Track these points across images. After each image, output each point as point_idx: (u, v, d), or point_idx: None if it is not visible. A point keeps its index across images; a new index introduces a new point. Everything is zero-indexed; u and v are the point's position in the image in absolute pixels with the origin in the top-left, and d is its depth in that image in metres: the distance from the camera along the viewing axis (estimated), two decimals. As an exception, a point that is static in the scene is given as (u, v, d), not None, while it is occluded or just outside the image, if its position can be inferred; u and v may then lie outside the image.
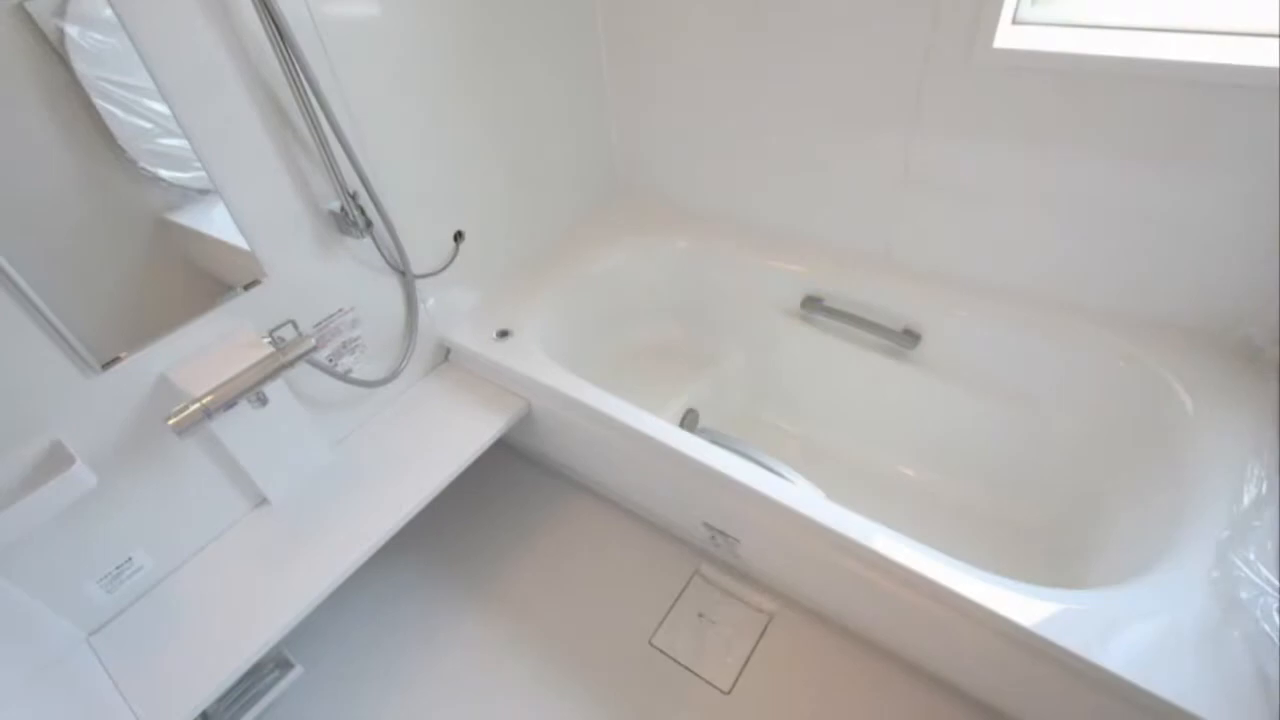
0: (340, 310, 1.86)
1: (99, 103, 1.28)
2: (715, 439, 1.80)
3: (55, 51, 1.21)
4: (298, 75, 1.48)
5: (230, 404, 1.46)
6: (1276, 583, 1.27)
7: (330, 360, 1.89)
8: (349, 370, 1.94)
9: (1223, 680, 1.19)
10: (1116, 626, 1.28)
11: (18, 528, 1.31)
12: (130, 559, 1.63)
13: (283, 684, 1.89)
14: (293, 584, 1.69)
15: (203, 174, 1.45)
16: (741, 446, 1.79)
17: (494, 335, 2.15)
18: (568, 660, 1.99)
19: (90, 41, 1.24)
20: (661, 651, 1.98)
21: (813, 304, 2.28)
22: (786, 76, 2.02)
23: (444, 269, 2.07)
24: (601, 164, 2.63)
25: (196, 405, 1.41)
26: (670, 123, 2.39)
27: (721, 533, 1.92)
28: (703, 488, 1.80)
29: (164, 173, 1.40)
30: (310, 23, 1.53)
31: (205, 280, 1.58)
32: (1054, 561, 1.90)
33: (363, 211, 1.73)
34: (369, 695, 1.98)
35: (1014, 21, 1.68)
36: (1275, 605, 1.25)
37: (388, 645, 2.08)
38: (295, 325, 1.71)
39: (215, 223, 1.52)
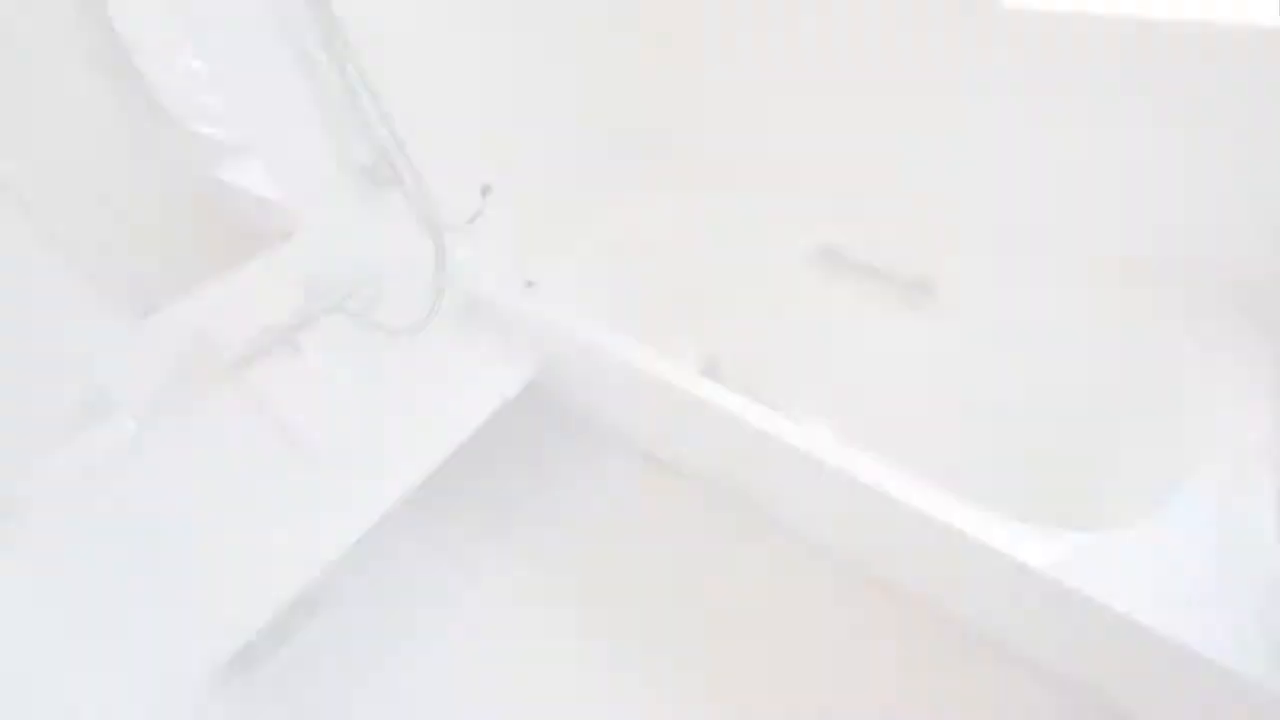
0: (372, 261, 1.90)
1: (139, 60, 1.31)
2: (735, 386, 1.83)
3: (97, 10, 1.25)
4: (331, 33, 1.50)
5: (265, 352, 1.51)
6: (1278, 524, 1.31)
7: (361, 310, 1.92)
8: (379, 319, 1.97)
9: (1225, 619, 1.22)
10: (1122, 567, 1.31)
11: (60, 473, 1.36)
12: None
13: (316, 622, 1.97)
14: (326, 527, 1.74)
15: (239, 130, 1.49)
16: (761, 393, 1.82)
17: (521, 285, 2.19)
18: (594, 603, 2.04)
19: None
20: (687, 593, 2.02)
21: (831, 255, 2.31)
22: (809, 39, 2.03)
23: (472, 221, 2.09)
24: (628, 122, 2.64)
25: (232, 353, 1.46)
26: (697, 82, 2.39)
27: (743, 476, 1.96)
28: (723, 433, 1.84)
29: (202, 128, 1.44)
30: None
31: (240, 233, 1.61)
32: (1063, 505, 1.92)
33: (393, 166, 1.76)
34: (400, 633, 2.03)
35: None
36: (1277, 546, 1.28)
37: (419, 584, 2.14)
38: (328, 276, 1.75)
39: (250, 177, 1.56)
